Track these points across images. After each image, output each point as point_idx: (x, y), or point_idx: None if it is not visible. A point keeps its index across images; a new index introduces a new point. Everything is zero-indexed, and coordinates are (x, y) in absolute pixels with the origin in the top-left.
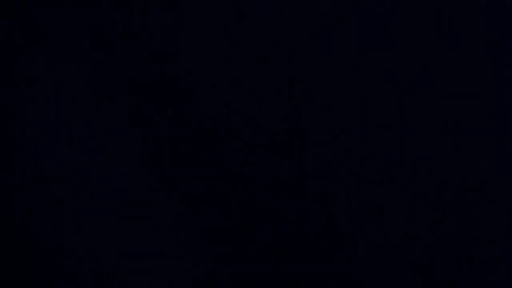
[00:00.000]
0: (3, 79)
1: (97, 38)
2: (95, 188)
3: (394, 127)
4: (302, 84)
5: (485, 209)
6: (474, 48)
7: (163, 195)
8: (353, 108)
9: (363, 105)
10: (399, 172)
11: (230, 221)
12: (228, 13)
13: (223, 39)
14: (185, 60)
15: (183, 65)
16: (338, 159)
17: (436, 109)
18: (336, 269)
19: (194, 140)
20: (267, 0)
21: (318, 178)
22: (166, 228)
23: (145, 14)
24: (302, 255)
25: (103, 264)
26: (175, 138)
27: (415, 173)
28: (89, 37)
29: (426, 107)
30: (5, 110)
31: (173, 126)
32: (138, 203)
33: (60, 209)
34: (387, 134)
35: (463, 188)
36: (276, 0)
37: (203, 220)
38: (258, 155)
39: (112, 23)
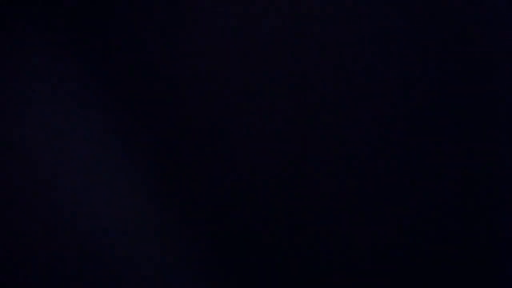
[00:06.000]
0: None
1: (93, 40)
2: (91, 189)
3: (394, 127)
4: (302, 85)
5: (486, 209)
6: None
7: (162, 197)
8: (353, 109)
9: (363, 105)
10: (399, 173)
11: (229, 223)
12: (228, 14)
13: (222, 40)
14: (185, 60)
15: (182, 65)
16: (339, 161)
17: (436, 110)
18: (336, 269)
19: (192, 140)
20: (268, 1)
21: (319, 179)
22: (165, 229)
23: (142, 13)
24: (302, 256)
25: (100, 266)
26: (174, 139)
27: (415, 174)
28: (85, 38)
29: (427, 109)
30: (1, 111)
31: (171, 127)
32: (137, 204)
33: (56, 210)
34: (387, 135)
35: (463, 188)
36: (276, 1)
37: (202, 222)
38: (258, 157)
39: (109, 23)
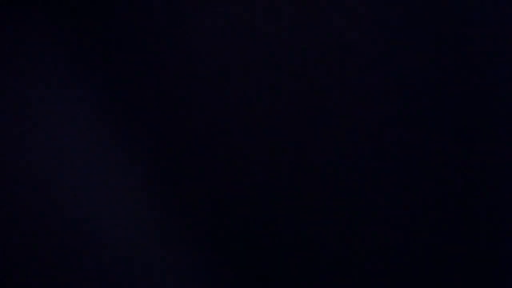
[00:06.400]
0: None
1: (92, 39)
2: (91, 189)
3: (395, 127)
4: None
5: (486, 209)
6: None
7: (162, 197)
8: (353, 109)
9: (364, 105)
10: (399, 173)
11: (229, 223)
12: (228, 14)
13: (223, 41)
14: (185, 60)
15: (182, 65)
16: (339, 161)
17: (437, 110)
18: (337, 269)
19: (192, 140)
20: (267, 1)
21: (319, 179)
22: (165, 229)
23: (142, 13)
24: (302, 256)
25: (100, 267)
26: (174, 139)
27: (415, 174)
28: (85, 38)
29: (428, 108)
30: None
31: (172, 126)
32: (137, 204)
33: (56, 210)
34: (387, 135)
35: (464, 188)
36: (276, 2)
37: (203, 222)
38: (259, 157)
39: (109, 23)
